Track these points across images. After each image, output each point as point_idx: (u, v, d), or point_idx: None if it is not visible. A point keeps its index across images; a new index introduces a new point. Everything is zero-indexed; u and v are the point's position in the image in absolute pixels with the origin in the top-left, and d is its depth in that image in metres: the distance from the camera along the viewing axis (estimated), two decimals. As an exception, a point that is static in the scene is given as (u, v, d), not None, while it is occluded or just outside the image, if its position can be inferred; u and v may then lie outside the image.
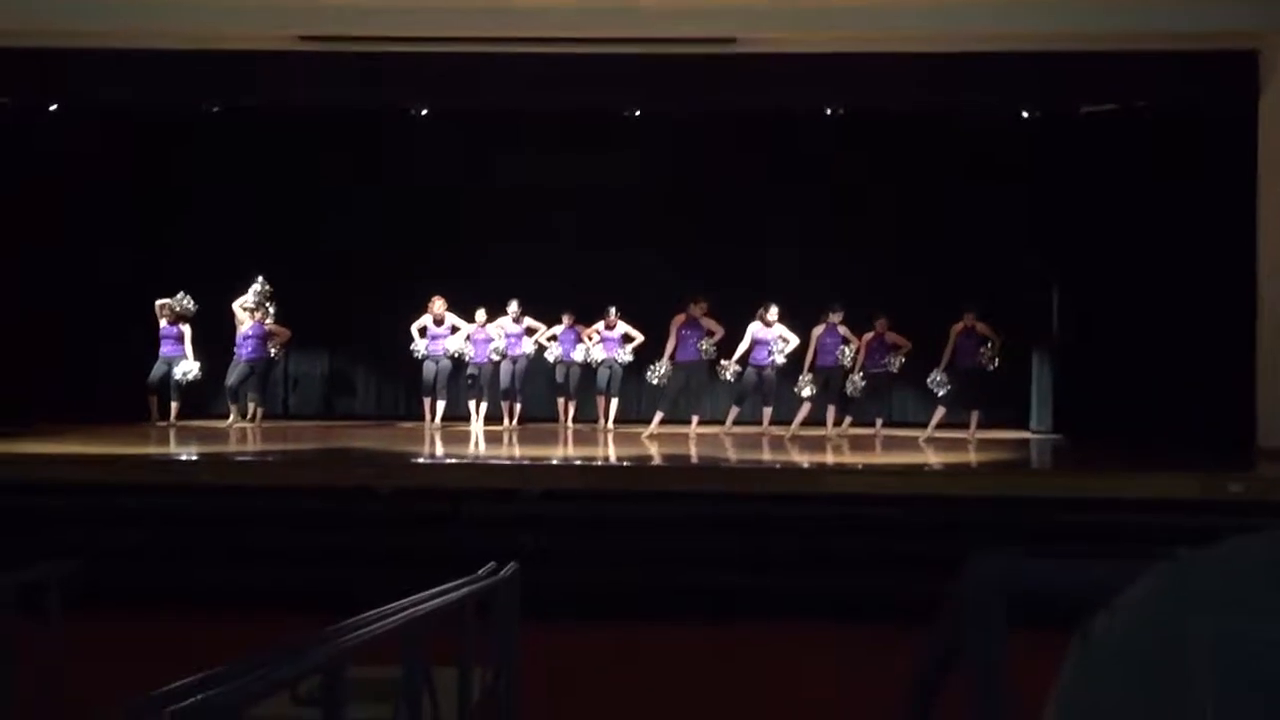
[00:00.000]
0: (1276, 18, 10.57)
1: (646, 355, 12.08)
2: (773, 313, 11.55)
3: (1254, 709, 0.51)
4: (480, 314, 12.31)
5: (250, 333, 12.06)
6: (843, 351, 11.54)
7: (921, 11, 10.66)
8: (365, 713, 3.13)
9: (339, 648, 2.67)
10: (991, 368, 11.42)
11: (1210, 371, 11.43)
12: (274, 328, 12.25)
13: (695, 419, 11.89)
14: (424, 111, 12.36)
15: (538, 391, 12.99)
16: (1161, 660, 0.54)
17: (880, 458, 10.25)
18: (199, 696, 1.87)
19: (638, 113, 12.16)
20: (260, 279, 12.15)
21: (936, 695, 1.66)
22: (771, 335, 11.56)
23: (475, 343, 12.27)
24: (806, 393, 11.53)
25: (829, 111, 12.04)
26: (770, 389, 11.73)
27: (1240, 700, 0.52)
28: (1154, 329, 11.92)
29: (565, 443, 11.41)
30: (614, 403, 12.42)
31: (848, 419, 11.82)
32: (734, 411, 11.90)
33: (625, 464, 9.41)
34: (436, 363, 12.29)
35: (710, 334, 11.65)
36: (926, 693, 1.64)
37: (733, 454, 10.44)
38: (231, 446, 10.50)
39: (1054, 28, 10.69)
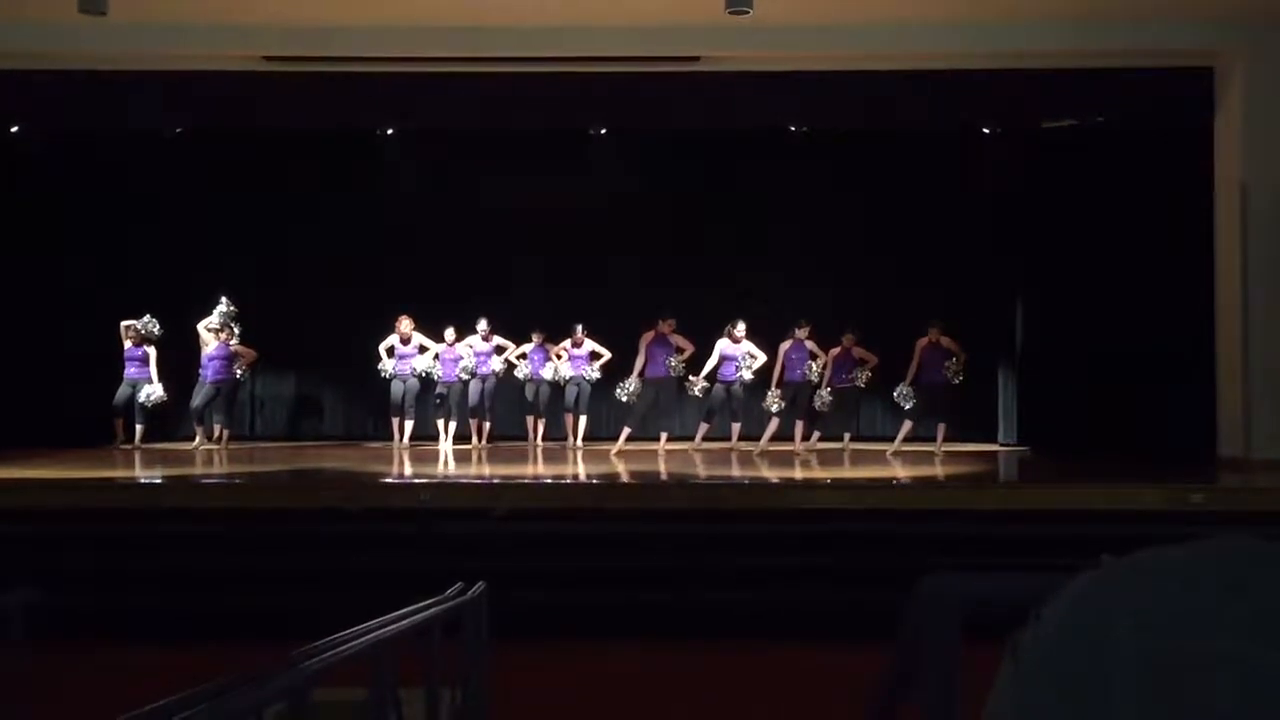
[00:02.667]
0: (1231, 35, 10.76)
1: (615, 372, 12.10)
2: (740, 329, 11.60)
3: (1172, 717, 0.53)
4: (449, 333, 12.29)
5: (215, 354, 11.97)
6: (810, 367, 11.60)
7: (883, 30, 10.77)
8: (332, 736, 3.11)
9: (305, 672, 2.66)
10: (956, 381, 11.52)
11: (1172, 383, 11.58)
12: (240, 349, 12.17)
13: (664, 436, 11.91)
14: (389, 131, 12.36)
15: (507, 410, 12.98)
16: (1083, 670, 0.56)
17: (848, 472, 10.30)
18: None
19: (603, 131, 12.21)
20: (224, 299, 12.08)
21: (895, 712, 1.68)
22: (739, 351, 11.60)
23: (444, 362, 12.25)
24: (774, 408, 11.58)
25: (793, 129, 12.14)
26: (739, 405, 11.77)
27: (1160, 711, 0.53)
28: (1116, 341, 12.07)
29: (535, 461, 11.39)
30: (582, 420, 12.42)
31: (816, 434, 11.87)
32: (703, 428, 11.93)
33: (594, 481, 9.41)
34: (404, 382, 12.25)
35: (679, 351, 11.68)
36: (884, 709, 1.66)
37: (702, 470, 10.46)
38: (198, 469, 10.42)
39: (1014, 45, 10.84)
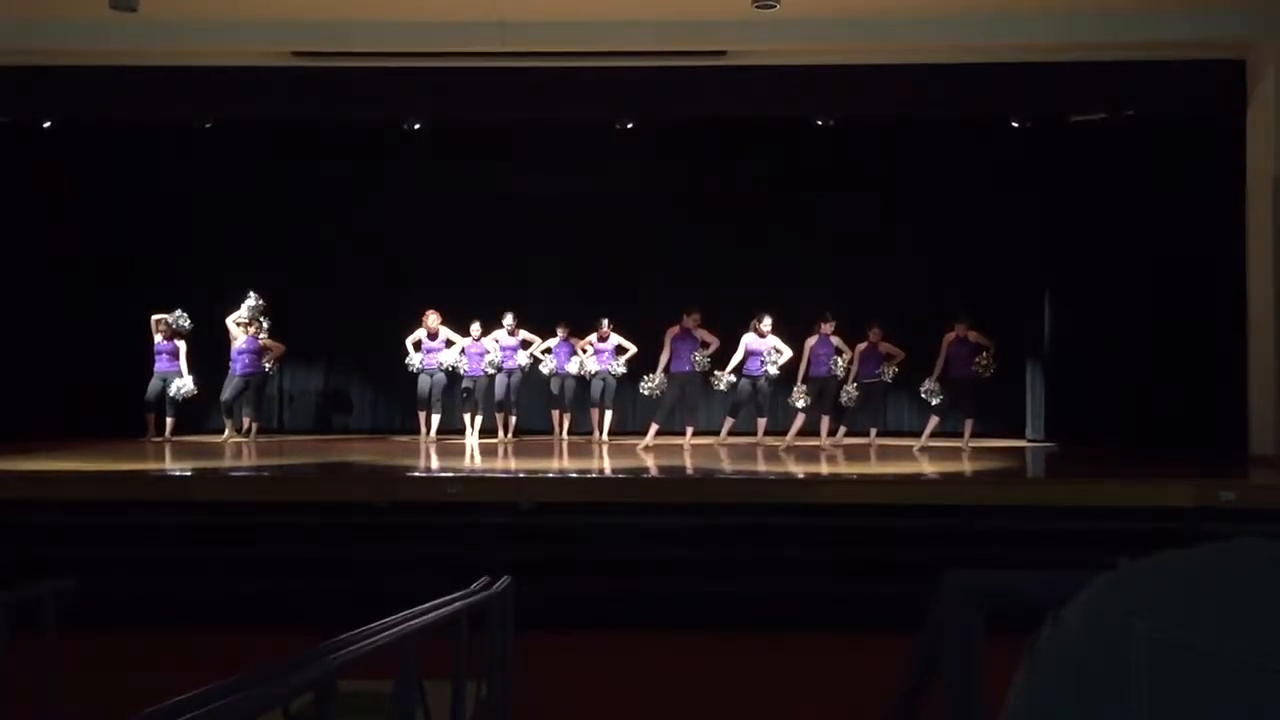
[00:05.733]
0: (1263, 27, 10.63)
1: (641, 366, 12.10)
2: (766, 323, 11.57)
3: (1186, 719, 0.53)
4: (475, 327, 12.32)
5: (245, 347, 12.06)
6: (835, 362, 11.56)
7: (910, 22, 10.71)
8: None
9: (331, 664, 2.68)
10: (987, 375, 11.44)
11: (1202, 379, 11.47)
12: (269, 342, 12.26)
13: (690, 430, 11.90)
14: (416, 125, 12.40)
15: (533, 404, 13.01)
16: (1100, 673, 0.56)
17: (875, 467, 10.26)
18: (186, 716, 1.88)
19: (630, 125, 12.21)
20: (252, 294, 12.16)
21: (917, 709, 1.68)
22: (765, 346, 11.58)
23: (470, 356, 12.29)
24: (800, 403, 11.55)
25: (820, 122, 12.09)
26: (765, 400, 11.74)
27: (1175, 714, 0.53)
28: (1146, 336, 11.96)
29: (560, 455, 11.41)
30: (608, 414, 12.44)
31: (842, 429, 11.83)
32: (729, 422, 11.92)
33: (620, 475, 9.41)
34: (431, 376, 12.30)
35: (705, 345, 11.66)
36: (907, 706, 1.66)
37: (727, 465, 10.45)
38: (227, 462, 10.50)
39: (1043, 38, 10.75)
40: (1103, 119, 11.83)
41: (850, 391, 11.59)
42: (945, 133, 12.57)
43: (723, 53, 11.13)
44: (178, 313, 12.10)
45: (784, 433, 11.70)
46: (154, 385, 12.09)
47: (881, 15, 10.67)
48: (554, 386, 12.60)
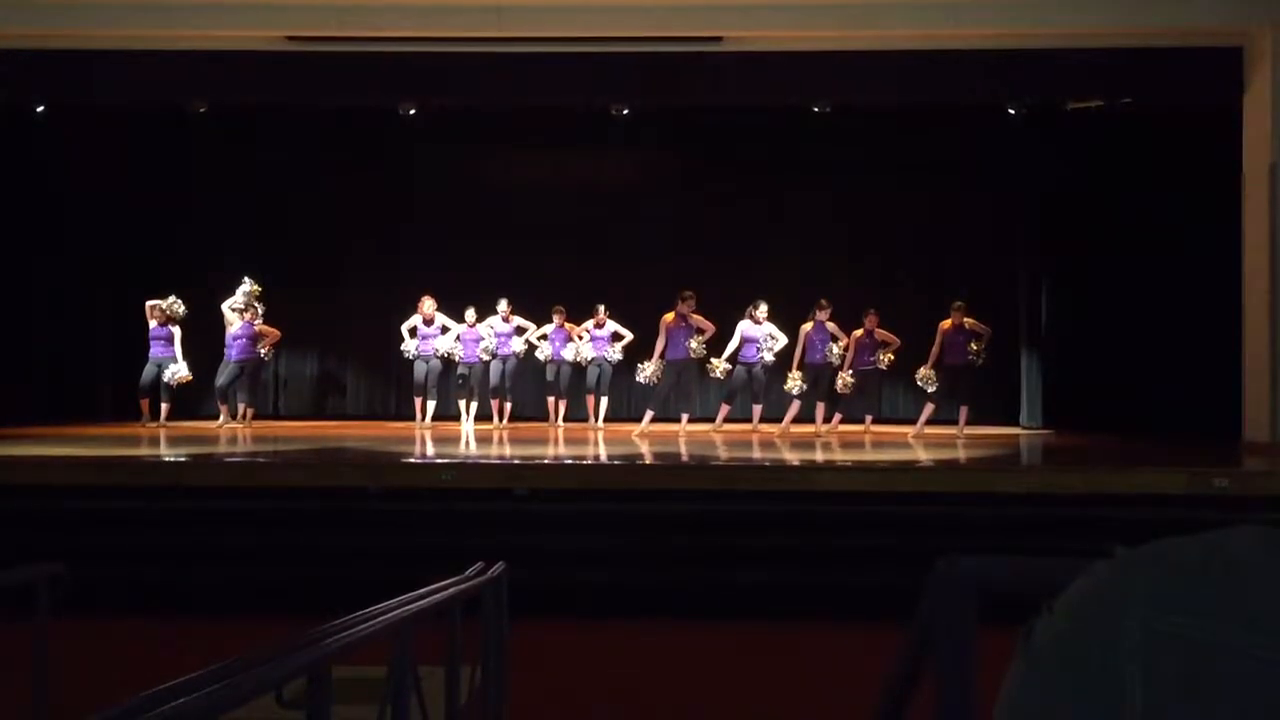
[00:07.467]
0: (1260, 14, 10.62)
1: (637, 353, 12.09)
2: (762, 310, 11.56)
3: (1184, 710, 0.52)
4: (470, 313, 12.31)
5: (239, 333, 12.04)
6: (831, 349, 11.56)
7: (907, 9, 10.69)
8: (351, 713, 3.13)
9: (324, 650, 2.67)
10: (980, 361, 11.45)
11: (1197, 367, 11.49)
12: (263, 328, 12.24)
13: (685, 417, 11.90)
14: (412, 111, 12.37)
15: (528, 390, 13.01)
16: (1096, 660, 0.55)
17: (869, 455, 10.27)
18: (178, 701, 1.88)
19: (625, 111, 12.18)
20: (247, 279, 12.13)
21: (908, 696, 1.68)
22: (761, 333, 11.57)
23: (465, 342, 12.28)
24: (796, 391, 11.55)
25: (816, 109, 12.07)
26: (760, 387, 11.75)
27: (1170, 700, 0.52)
28: (1142, 325, 11.98)
29: (556, 442, 11.41)
30: (604, 401, 12.43)
31: (837, 416, 11.83)
32: (724, 409, 11.92)
33: (615, 462, 9.41)
34: (427, 362, 12.30)
35: (700, 332, 11.66)
36: (898, 693, 1.66)
37: (723, 452, 10.45)
38: (222, 448, 10.48)
39: (1040, 24, 10.73)
40: (1099, 106, 11.81)
41: (846, 379, 11.60)
42: (941, 119, 12.54)
43: (719, 38, 11.09)
44: (172, 298, 12.07)
45: (779, 420, 11.71)
46: (148, 371, 12.06)
47: (877, 2, 10.63)
48: (549, 373, 12.59)
